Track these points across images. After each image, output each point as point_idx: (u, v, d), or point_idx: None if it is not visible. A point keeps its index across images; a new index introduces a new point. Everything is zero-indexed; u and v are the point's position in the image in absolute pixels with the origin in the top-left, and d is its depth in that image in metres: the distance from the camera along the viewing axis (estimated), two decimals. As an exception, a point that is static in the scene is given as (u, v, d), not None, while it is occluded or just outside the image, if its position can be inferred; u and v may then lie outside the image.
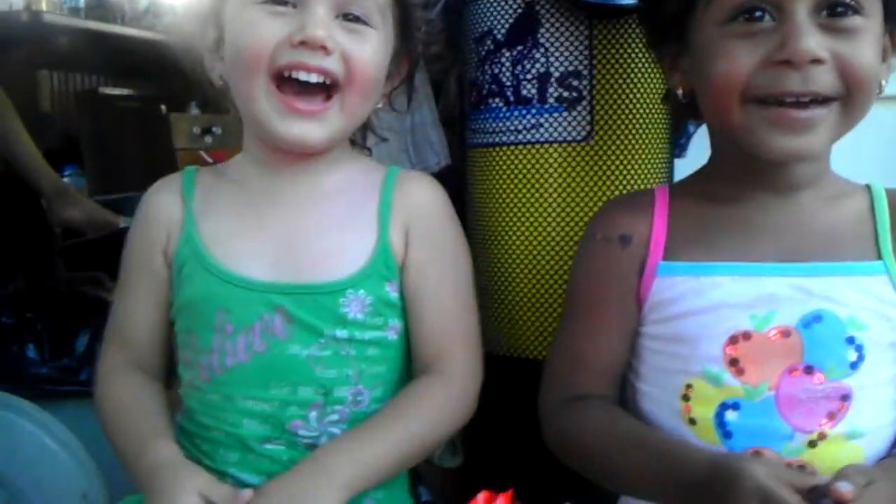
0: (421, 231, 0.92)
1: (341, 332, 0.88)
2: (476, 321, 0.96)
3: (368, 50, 0.87)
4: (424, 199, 0.94)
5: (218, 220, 0.93)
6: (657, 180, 1.13)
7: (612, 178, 1.11)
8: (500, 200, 1.15)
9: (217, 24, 0.91)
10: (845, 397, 0.81)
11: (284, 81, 0.85)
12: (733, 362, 0.81)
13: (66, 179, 2.31)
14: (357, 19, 0.86)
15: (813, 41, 0.75)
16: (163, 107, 2.57)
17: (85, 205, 2.15)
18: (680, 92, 0.89)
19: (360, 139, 1.02)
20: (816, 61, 0.76)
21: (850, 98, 0.79)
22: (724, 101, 0.80)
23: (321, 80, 0.85)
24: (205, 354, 0.90)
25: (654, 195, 0.90)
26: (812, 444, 0.81)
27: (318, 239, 0.91)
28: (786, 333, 0.80)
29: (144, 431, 0.88)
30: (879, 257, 0.83)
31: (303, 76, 0.84)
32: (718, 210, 0.87)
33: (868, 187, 0.89)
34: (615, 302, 0.88)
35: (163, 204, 0.95)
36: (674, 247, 0.87)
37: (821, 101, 0.78)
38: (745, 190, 0.86)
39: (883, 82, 0.83)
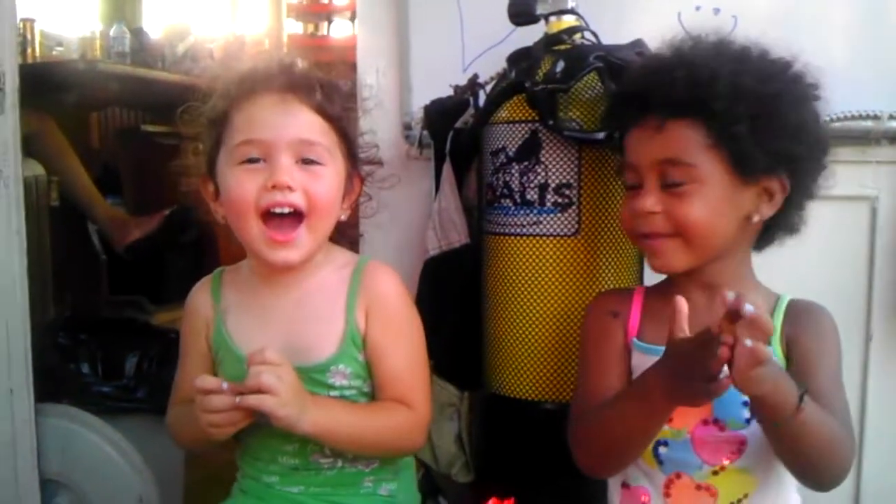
0: (376, 312, 1.12)
1: (333, 392, 1.11)
2: (426, 377, 1.16)
3: (323, 183, 1.08)
4: (381, 287, 1.14)
5: (238, 318, 1.16)
6: (629, 267, 1.29)
7: (594, 263, 1.26)
8: (509, 277, 1.29)
9: (213, 179, 1.12)
10: (741, 443, 1.02)
11: (267, 216, 1.06)
12: (671, 421, 1.01)
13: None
14: (312, 161, 1.07)
15: (650, 201, 1.03)
16: (200, 145, 2.67)
17: (137, 222, 2.26)
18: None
19: (344, 238, 1.23)
20: (652, 213, 1.03)
21: (682, 235, 1.03)
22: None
23: (291, 210, 1.06)
24: None
25: (634, 291, 1.14)
26: (716, 472, 1.02)
27: (306, 329, 1.12)
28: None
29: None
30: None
31: (278, 210, 1.06)
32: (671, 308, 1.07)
33: (778, 297, 1.08)
34: (612, 352, 1.09)
35: (200, 303, 1.20)
36: (643, 331, 1.09)
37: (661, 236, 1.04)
38: (685, 290, 1.04)
39: (756, 218, 1.04)
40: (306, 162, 1.08)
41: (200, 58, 2.87)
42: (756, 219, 1.04)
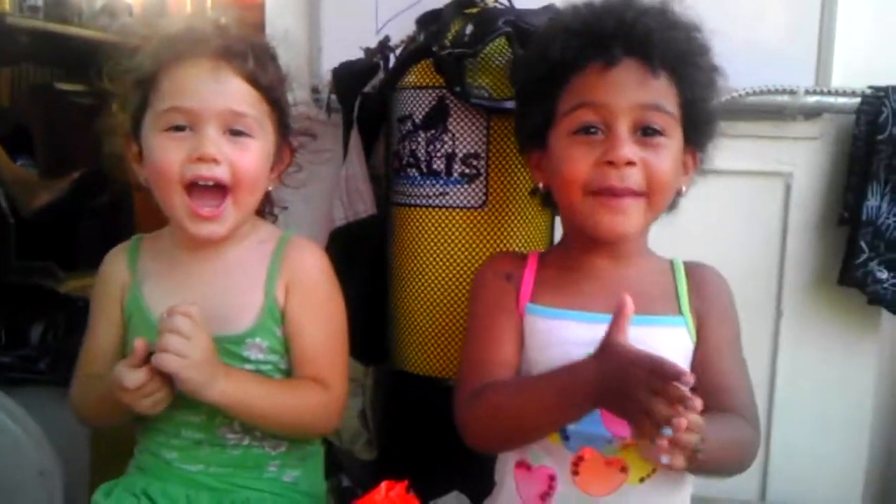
0: (296, 287, 1.11)
1: (248, 366, 1.09)
2: (344, 357, 1.15)
3: (250, 157, 1.06)
4: (302, 263, 1.13)
5: (154, 285, 1.13)
6: (538, 240, 1.27)
7: (502, 236, 1.24)
8: (415, 250, 1.27)
9: (137, 141, 1.09)
10: None
11: (191, 186, 1.04)
12: None
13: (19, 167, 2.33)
14: (240, 133, 1.05)
15: (628, 149, 0.96)
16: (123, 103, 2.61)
17: (45, 185, 2.25)
18: (541, 185, 1.08)
19: (268, 209, 1.22)
20: (630, 163, 0.96)
21: (652, 195, 0.98)
22: (571, 193, 1.00)
23: (207, 184, 1.04)
24: None
25: (527, 256, 1.09)
26: (626, 446, 0.97)
27: (224, 301, 1.09)
28: None
29: (103, 385, 1.05)
30: (680, 313, 1.02)
31: (202, 182, 1.04)
32: (570, 273, 1.05)
33: (671, 261, 1.07)
34: (505, 319, 1.05)
35: (116, 268, 1.16)
36: (537, 294, 1.04)
37: (633, 195, 0.97)
38: (589, 257, 1.04)
39: (683, 188, 1.04)
40: (234, 133, 1.06)
41: (118, 13, 2.78)
42: (683, 190, 1.05)
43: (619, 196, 0.97)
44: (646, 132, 0.98)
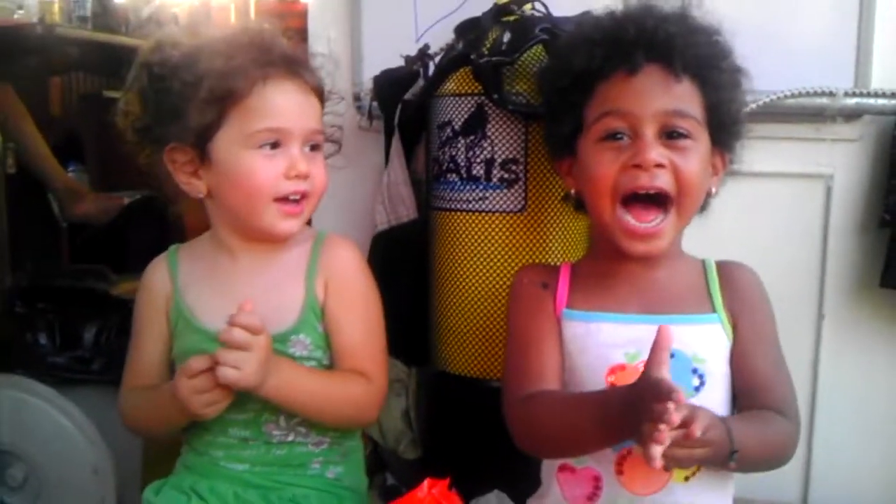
0: (334, 283, 1.14)
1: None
2: (383, 350, 1.17)
3: (322, 169, 1.12)
4: (340, 260, 1.16)
5: (198, 291, 1.16)
6: (577, 243, 1.27)
7: (541, 240, 1.25)
8: (455, 253, 1.29)
9: (198, 152, 1.09)
10: None
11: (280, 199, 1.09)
12: (613, 386, 0.99)
13: (70, 175, 2.40)
14: (315, 147, 1.11)
15: (655, 153, 0.97)
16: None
17: (95, 199, 2.31)
18: (573, 191, 1.09)
19: None
20: (659, 165, 0.97)
21: (680, 196, 0.98)
22: (600, 199, 1.00)
23: (297, 197, 1.09)
24: None
25: (560, 267, 1.10)
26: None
27: (267, 299, 1.11)
28: None
29: (155, 396, 1.10)
30: (714, 310, 1.03)
31: (293, 196, 1.09)
32: (603, 279, 1.06)
33: (703, 261, 1.08)
34: (544, 325, 1.06)
35: (158, 278, 1.19)
36: (573, 301, 1.06)
37: (662, 203, 0.98)
38: (621, 263, 1.04)
39: (714, 189, 1.05)
40: (312, 148, 1.12)
41: (165, 22, 2.77)
42: (714, 191, 1.05)
43: (649, 211, 0.98)
44: (671, 136, 0.99)
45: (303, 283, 1.14)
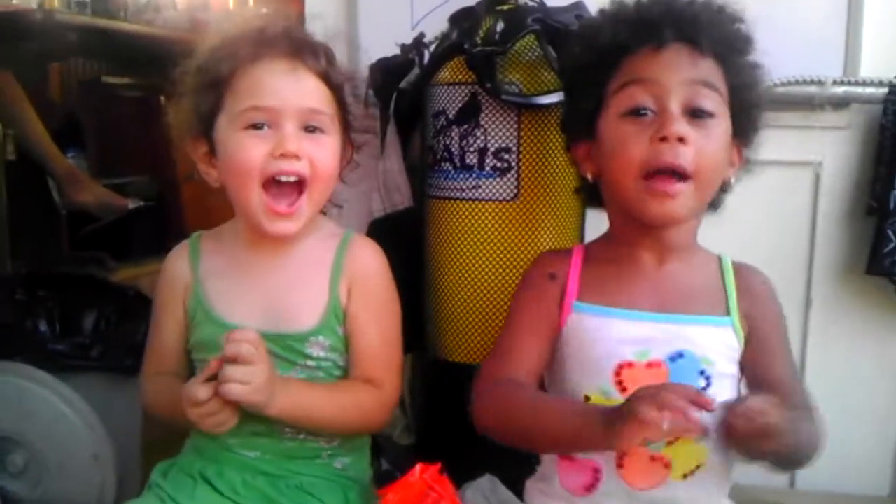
0: (358, 287, 1.13)
1: (310, 363, 1.11)
2: (399, 357, 1.17)
3: (326, 152, 1.09)
4: (365, 263, 1.14)
5: (218, 283, 1.15)
6: (569, 232, 1.29)
7: (534, 228, 1.26)
8: (449, 241, 1.30)
9: (207, 141, 1.11)
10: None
11: (269, 183, 1.06)
12: (619, 383, 0.98)
13: (70, 161, 2.38)
14: (316, 129, 1.08)
15: (679, 125, 0.95)
16: (161, 97, 2.65)
17: (95, 188, 2.30)
18: (590, 176, 1.07)
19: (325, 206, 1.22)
20: (682, 139, 0.95)
21: (699, 175, 0.96)
22: (626, 176, 0.98)
23: (296, 179, 1.06)
24: None
25: (572, 252, 1.08)
26: (670, 443, 0.97)
27: (288, 297, 1.12)
28: (657, 365, 0.97)
29: (176, 390, 1.07)
30: (727, 313, 1.02)
31: (283, 178, 1.06)
32: (616, 268, 1.04)
33: (719, 258, 1.06)
34: (541, 317, 1.04)
35: (178, 267, 1.18)
36: (584, 292, 1.04)
37: (681, 178, 0.96)
38: (636, 250, 1.03)
39: (732, 179, 1.04)
40: (309, 130, 1.08)
41: (163, 8, 2.85)
42: (732, 180, 1.05)
43: (669, 181, 0.96)
44: (695, 114, 0.97)
45: (326, 283, 1.12)
